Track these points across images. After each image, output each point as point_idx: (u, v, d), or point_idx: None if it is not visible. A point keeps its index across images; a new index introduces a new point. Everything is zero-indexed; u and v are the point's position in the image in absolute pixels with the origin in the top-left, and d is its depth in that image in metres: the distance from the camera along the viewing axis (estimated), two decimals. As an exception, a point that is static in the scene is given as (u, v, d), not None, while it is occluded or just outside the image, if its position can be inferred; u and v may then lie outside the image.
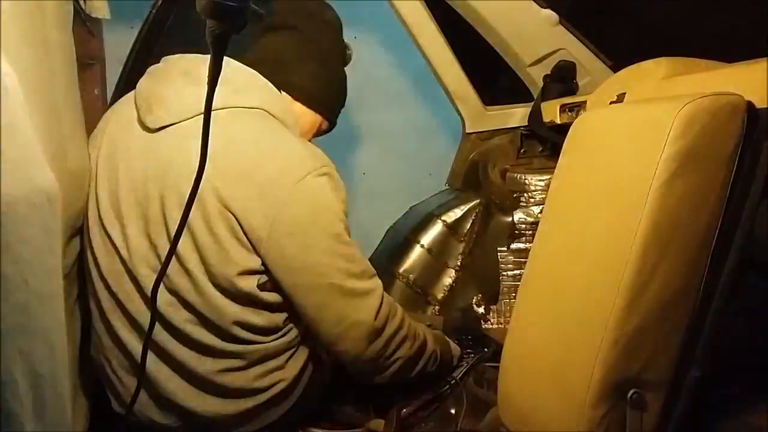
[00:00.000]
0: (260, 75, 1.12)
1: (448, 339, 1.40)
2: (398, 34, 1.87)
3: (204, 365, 1.04)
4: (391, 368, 1.17)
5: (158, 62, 1.13)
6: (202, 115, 0.93)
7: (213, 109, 0.94)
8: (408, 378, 1.23)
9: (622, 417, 0.90)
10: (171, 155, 1.01)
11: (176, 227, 0.73)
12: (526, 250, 1.69)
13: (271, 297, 1.06)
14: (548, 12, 1.71)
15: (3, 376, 0.49)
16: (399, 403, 1.28)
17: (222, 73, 1.01)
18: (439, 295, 1.74)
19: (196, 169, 0.70)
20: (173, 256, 0.77)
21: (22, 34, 0.65)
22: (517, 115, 1.93)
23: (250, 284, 1.02)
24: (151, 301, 0.74)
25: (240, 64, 1.10)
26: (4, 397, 0.50)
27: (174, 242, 0.71)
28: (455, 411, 1.55)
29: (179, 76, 1.06)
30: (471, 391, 1.58)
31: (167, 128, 1.02)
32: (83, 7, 1.13)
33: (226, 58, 1.05)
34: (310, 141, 1.22)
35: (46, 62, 0.73)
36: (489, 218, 1.78)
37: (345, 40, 1.28)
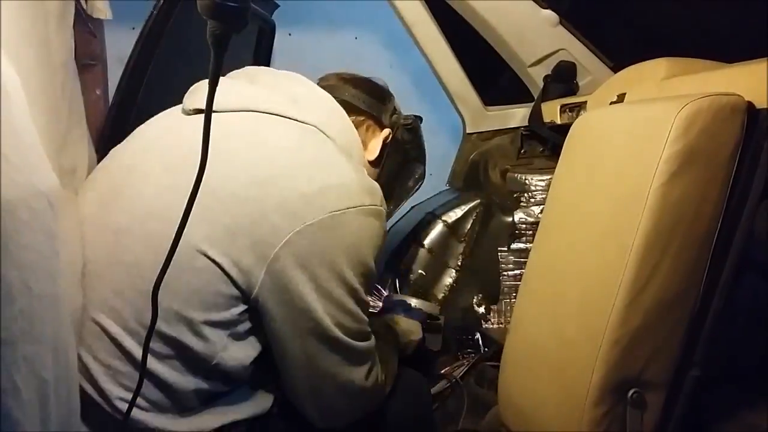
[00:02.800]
0: (338, 104, 1.00)
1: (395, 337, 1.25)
2: (398, 34, 1.88)
3: None
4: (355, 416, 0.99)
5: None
6: (246, 112, 0.88)
7: (256, 110, 0.91)
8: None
9: (622, 416, 0.90)
10: (193, 140, 0.89)
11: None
12: (527, 250, 1.69)
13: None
14: (548, 12, 1.71)
15: (5, 384, 0.48)
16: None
17: (293, 87, 0.98)
18: (440, 295, 1.75)
19: (197, 170, 0.67)
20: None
21: (23, 35, 0.65)
22: (517, 116, 1.93)
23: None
24: (152, 301, 0.73)
25: (321, 90, 1.00)
26: (8, 405, 0.49)
27: (174, 242, 0.70)
28: (455, 410, 1.56)
29: (235, 77, 1.00)
30: (471, 391, 1.58)
31: (201, 113, 0.93)
32: (84, 7, 1.13)
33: (308, 81, 1.01)
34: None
35: (48, 63, 0.73)
36: (489, 218, 1.78)
37: None
